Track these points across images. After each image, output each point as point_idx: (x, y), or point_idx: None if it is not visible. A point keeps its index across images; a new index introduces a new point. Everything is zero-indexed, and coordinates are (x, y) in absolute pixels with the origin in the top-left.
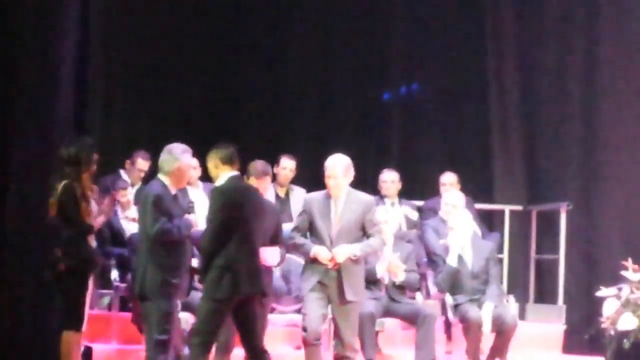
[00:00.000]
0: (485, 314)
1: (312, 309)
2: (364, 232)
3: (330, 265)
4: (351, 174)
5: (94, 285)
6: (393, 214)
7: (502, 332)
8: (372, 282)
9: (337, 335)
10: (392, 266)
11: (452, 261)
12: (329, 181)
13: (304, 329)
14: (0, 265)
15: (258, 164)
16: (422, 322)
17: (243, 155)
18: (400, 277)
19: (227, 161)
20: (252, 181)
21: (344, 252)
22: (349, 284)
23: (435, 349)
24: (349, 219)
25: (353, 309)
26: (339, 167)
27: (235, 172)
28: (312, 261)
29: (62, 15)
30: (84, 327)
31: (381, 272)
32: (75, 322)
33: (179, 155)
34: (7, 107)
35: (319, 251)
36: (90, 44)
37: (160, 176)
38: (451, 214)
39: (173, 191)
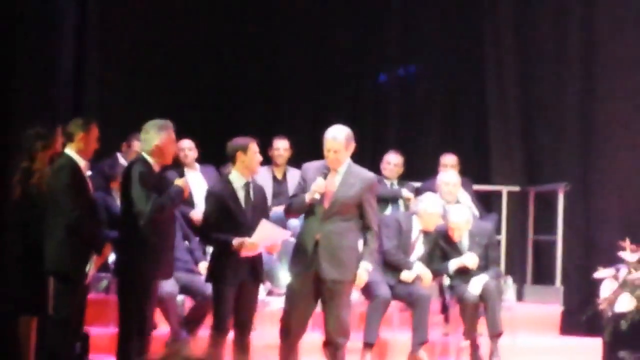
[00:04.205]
0: (475, 281)
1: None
2: (360, 211)
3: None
4: (352, 146)
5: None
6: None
7: (487, 300)
8: (393, 268)
9: (325, 320)
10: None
11: None
12: (328, 154)
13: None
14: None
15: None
16: (416, 304)
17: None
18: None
19: None
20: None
21: (362, 274)
22: (327, 260)
23: (428, 331)
24: (346, 194)
25: (340, 290)
26: (340, 139)
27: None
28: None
29: None
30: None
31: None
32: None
33: (156, 132)
34: (5, 91)
35: (315, 186)
36: (88, 27)
37: (144, 154)
38: (451, 194)
39: (157, 169)
